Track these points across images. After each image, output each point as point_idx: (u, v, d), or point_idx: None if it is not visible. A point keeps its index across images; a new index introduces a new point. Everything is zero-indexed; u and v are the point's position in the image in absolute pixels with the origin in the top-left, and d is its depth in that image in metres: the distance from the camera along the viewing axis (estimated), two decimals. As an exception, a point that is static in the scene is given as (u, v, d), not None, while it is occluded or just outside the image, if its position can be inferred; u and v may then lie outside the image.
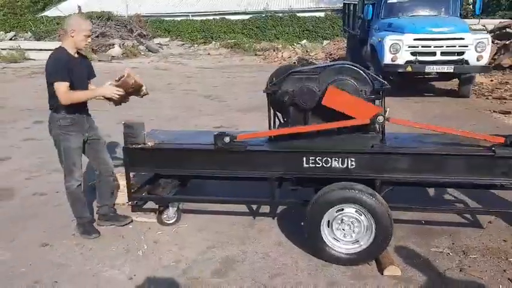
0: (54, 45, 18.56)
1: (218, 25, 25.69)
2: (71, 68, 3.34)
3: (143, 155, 3.51)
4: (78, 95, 3.39)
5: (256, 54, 20.15)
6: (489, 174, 3.13)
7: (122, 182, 4.06)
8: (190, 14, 27.39)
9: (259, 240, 3.54)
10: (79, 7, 24.94)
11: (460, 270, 3.06)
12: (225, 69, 15.46)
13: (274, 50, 20.24)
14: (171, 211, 3.80)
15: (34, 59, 18.05)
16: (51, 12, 26.73)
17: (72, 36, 3.34)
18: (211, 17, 26.37)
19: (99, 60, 17.39)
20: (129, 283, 3.02)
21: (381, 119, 3.08)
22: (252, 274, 3.08)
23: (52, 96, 3.41)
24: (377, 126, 3.18)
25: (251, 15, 26.13)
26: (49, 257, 3.35)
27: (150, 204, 3.93)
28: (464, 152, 3.16)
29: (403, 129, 3.67)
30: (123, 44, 20.64)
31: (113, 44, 20.06)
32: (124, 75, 3.44)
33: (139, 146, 3.47)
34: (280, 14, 25.62)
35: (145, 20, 24.52)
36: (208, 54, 21.17)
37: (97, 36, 20.07)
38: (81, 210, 3.66)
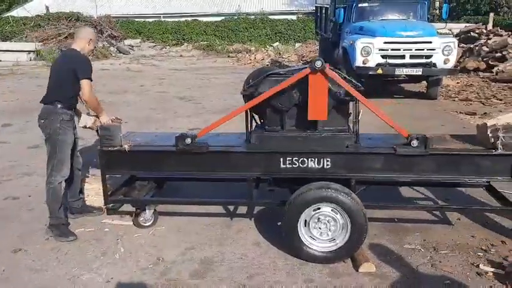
0: (22, 46, 18.25)
1: (190, 27, 25.56)
2: None
3: (120, 157, 3.48)
4: (97, 100, 3.68)
5: (229, 56, 20.17)
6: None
7: (95, 185, 4.04)
8: (161, 16, 27.18)
9: (237, 241, 3.57)
10: (47, 7, 24.39)
11: (432, 266, 3.18)
12: (199, 71, 15.40)
13: (247, 52, 20.31)
14: (147, 213, 3.78)
15: (0, 60, 17.54)
16: (17, 13, 25.97)
17: (89, 45, 3.72)
18: (183, 19, 26.23)
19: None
20: (106, 286, 3.00)
21: (318, 63, 3.12)
22: (231, 275, 3.11)
23: (66, 89, 3.59)
24: (317, 67, 3.15)
25: (223, 17, 26.15)
26: (24, 262, 3.29)
27: (126, 207, 3.91)
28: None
29: (376, 130, 3.77)
30: (93, 45, 20.25)
31: (83, 45, 19.66)
32: (120, 120, 3.82)
33: (116, 148, 3.44)
34: (253, 16, 25.73)
35: (116, 21, 24.17)
36: (181, 56, 21.04)
37: (66, 37, 19.65)
38: (59, 210, 3.64)
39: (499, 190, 3.69)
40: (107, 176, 3.63)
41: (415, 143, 3.21)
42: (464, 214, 3.92)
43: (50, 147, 3.60)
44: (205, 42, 23.43)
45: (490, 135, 3.17)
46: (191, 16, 26.59)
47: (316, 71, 3.16)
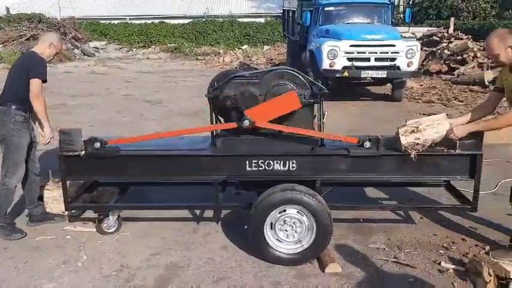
0: (-20, 47, 17.55)
1: (157, 29, 25.30)
2: None
3: (81, 163, 3.38)
4: (44, 103, 3.59)
5: (197, 59, 20.06)
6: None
7: (56, 192, 3.93)
8: (128, 18, 26.79)
9: (204, 245, 3.54)
10: (7, 8, 23.63)
11: (396, 264, 3.24)
12: (166, 73, 15.25)
13: (215, 55, 20.25)
14: (111, 219, 3.69)
15: (-43, 63, 16.83)
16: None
17: (49, 49, 3.69)
18: (150, 21, 25.93)
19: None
20: (68, 295, 2.92)
21: (246, 123, 3.20)
22: (197, 279, 3.07)
23: (19, 90, 3.53)
24: (245, 126, 3.22)
25: (191, 20, 26.01)
26: (-20, 273, 3.15)
27: (90, 214, 3.80)
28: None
29: (344, 133, 3.82)
30: (56, 47, 19.73)
31: (46, 47, 19.14)
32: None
33: (77, 153, 3.34)
34: (221, 19, 25.70)
35: (80, 22, 23.65)
36: (148, 58, 20.79)
37: (27, 39, 19.07)
38: (5, 212, 3.64)
39: (458, 189, 3.79)
40: (68, 181, 3.53)
41: (367, 144, 3.27)
42: (423, 213, 4.03)
43: (5, 149, 3.56)
44: (173, 45, 23.22)
45: (402, 140, 3.22)
46: (158, 18, 26.33)
47: (246, 128, 3.23)
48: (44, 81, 3.56)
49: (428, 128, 3.21)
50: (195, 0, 29.93)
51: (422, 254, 3.38)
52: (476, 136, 3.24)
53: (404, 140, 3.20)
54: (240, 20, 25.83)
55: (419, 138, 3.19)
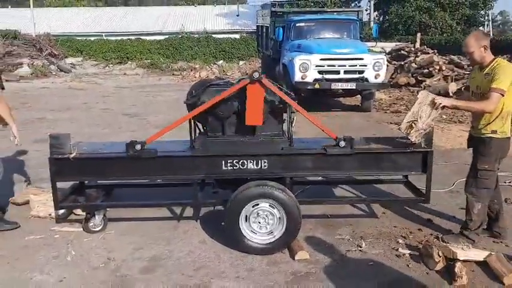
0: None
1: (134, 45, 25.54)
2: None
3: (69, 165, 3.64)
4: (6, 106, 3.94)
5: (173, 74, 20.37)
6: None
7: (42, 197, 4.19)
8: (104, 34, 26.99)
9: (184, 240, 3.82)
10: (-19, 25, 23.49)
11: (358, 252, 3.59)
12: (143, 88, 15.48)
13: (191, 70, 20.61)
14: (97, 219, 3.94)
15: None
16: None
17: None
18: (126, 37, 26.18)
19: (6, 80, 16.51)
20: (59, 285, 3.15)
21: (256, 74, 3.51)
22: (178, 268, 3.36)
23: None
24: (255, 78, 3.51)
25: (167, 36, 26.37)
26: (-26, 268, 3.36)
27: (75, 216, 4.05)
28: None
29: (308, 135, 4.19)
30: (32, 64, 19.77)
31: (21, 64, 19.17)
32: None
33: (66, 155, 3.61)
34: (197, 35, 26.16)
35: (56, 39, 23.72)
36: (125, 74, 20.97)
37: (3, 56, 19.06)
38: None
39: (415, 185, 4.19)
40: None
41: (342, 143, 3.65)
42: (386, 206, 4.42)
43: None
44: (149, 61, 23.50)
45: (413, 139, 3.59)
46: (134, 35, 26.61)
47: (254, 81, 3.54)
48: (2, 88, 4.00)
49: (422, 114, 3.52)
50: (170, 17, 30.39)
51: (383, 243, 3.75)
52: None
53: (414, 138, 3.56)
54: (215, 36, 26.35)
55: (421, 129, 3.53)
